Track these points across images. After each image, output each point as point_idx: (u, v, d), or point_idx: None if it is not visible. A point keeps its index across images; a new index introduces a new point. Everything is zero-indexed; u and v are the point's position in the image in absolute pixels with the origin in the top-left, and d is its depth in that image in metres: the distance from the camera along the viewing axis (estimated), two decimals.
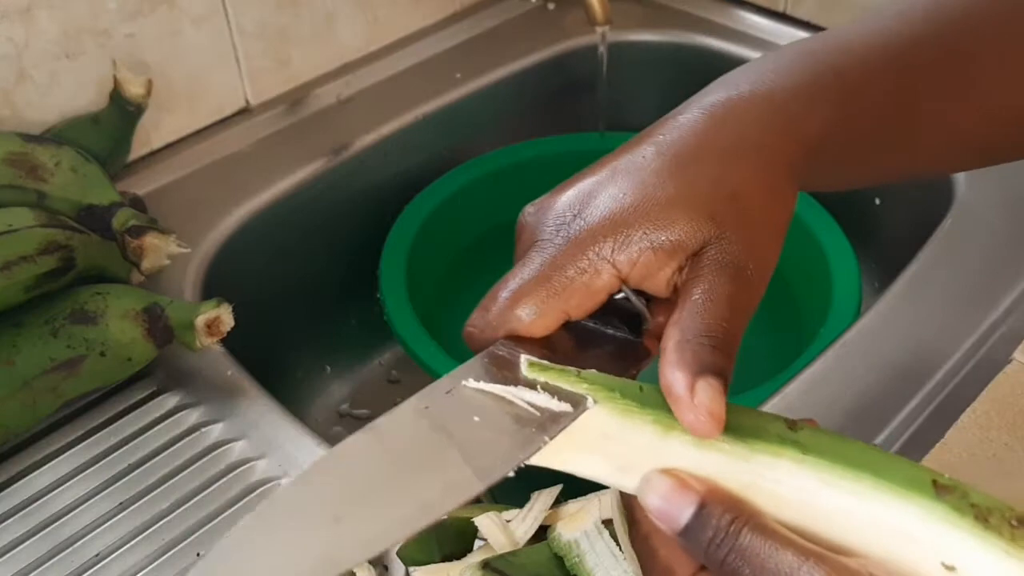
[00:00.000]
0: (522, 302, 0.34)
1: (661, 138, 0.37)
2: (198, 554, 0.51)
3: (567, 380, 0.33)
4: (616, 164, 0.37)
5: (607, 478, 0.32)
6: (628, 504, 0.32)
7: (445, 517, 0.29)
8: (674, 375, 0.32)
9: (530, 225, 0.37)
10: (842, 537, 0.30)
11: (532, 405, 0.32)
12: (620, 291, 0.36)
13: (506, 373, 0.33)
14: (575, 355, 0.36)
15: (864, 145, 0.40)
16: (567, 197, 0.36)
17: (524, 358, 0.33)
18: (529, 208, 0.38)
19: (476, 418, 0.31)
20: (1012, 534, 0.29)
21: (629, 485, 0.32)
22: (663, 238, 0.34)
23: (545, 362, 0.33)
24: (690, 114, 0.37)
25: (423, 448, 0.31)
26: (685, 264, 0.35)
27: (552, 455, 0.32)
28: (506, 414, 0.32)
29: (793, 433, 0.32)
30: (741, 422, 0.33)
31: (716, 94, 0.38)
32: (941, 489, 0.30)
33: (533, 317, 0.35)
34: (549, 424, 0.31)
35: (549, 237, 0.35)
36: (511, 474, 0.30)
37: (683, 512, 0.30)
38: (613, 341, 0.38)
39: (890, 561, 0.29)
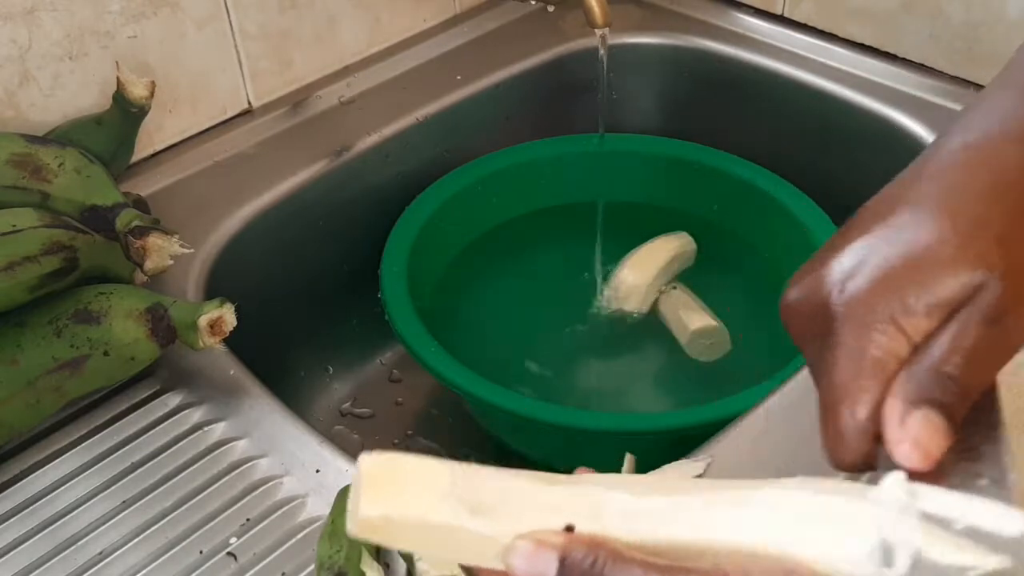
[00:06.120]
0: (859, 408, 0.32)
1: (910, 190, 0.35)
2: (200, 552, 0.51)
3: None
4: (871, 225, 0.34)
5: (457, 522, 0.32)
6: None
7: None
8: (891, 403, 0.31)
9: (802, 309, 0.35)
10: (687, 543, 0.31)
11: None
12: None
13: None
14: None
15: None
16: (833, 268, 0.34)
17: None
18: (792, 292, 0.35)
19: None
20: None
21: (484, 531, 0.32)
22: (934, 295, 0.32)
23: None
24: (934, 163, 0.35)
25: None
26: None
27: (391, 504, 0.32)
28: None
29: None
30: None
31: (955, 138, 0.36)
32: None
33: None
34: None
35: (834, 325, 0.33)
36: None
37: (548, 568, 0.31)
38: None
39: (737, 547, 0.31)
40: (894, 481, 0.29)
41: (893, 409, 0.30)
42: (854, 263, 0.33)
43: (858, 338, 0.32)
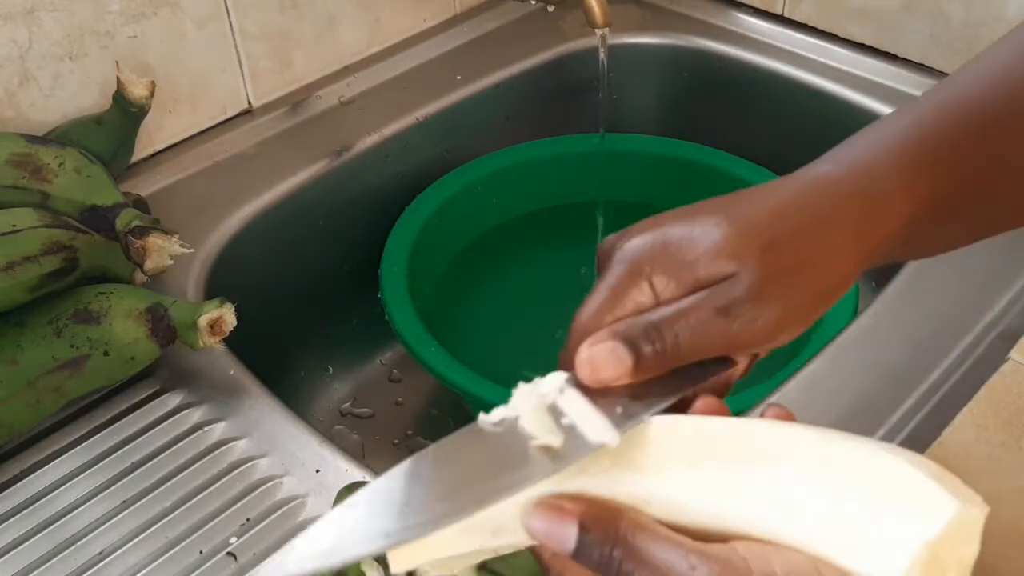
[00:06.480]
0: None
1: (725, 201, 0.38)
2: (200, 552, 0.51)
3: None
4: (683, 215, 0.38)
5: (484, 546, 0.33)
6: (534, 551, 0.33)
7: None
8: (603, 332, 0.34)
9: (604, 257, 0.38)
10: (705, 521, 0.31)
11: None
12: None
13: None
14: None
15: (952, 216, 0.40)
16: (633, 231, 0.37)
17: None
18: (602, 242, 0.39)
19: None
20: None
21: (506, 543, 0.33)
22: (691, 272, 0.35)
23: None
24: (778, 183, 0.38)
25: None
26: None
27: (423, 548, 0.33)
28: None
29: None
30: None
31: (815, 168, 0.39)
32: None
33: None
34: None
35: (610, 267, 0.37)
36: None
37: (568, 535, 0.31)
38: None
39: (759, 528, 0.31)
40: (553, 379, 0.34)
41: (599, 335, 0.34)
42: (648, 231, 0.37)
43: (617, 281, 0.36)
